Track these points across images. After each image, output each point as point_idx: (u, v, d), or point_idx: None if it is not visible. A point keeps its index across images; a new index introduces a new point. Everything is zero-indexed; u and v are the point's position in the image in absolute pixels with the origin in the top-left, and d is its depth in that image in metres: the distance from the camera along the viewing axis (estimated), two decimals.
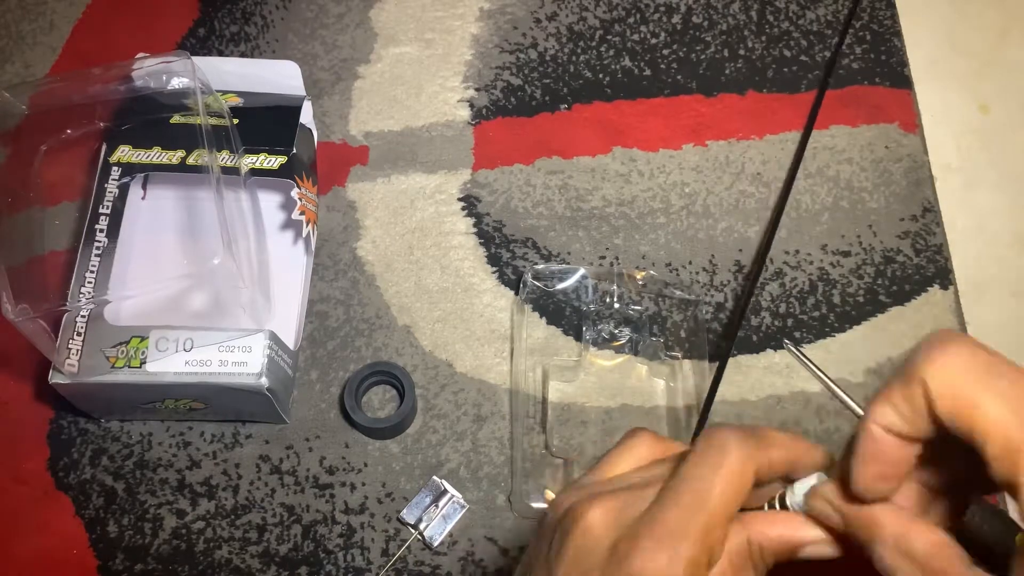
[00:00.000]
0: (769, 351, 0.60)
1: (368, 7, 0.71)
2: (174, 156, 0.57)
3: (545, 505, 0.53)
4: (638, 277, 0.60)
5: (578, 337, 0.60)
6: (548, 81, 0.68)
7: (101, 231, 0.54)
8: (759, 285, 0.62)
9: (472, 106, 0.67)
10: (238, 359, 0.52)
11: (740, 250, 0.63)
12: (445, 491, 0.55)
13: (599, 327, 0.59)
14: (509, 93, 0.68)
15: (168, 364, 0.52)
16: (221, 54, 0.69)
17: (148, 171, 0.56)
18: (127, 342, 0.52)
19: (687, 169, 0.66)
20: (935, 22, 0.72)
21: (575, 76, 0.69)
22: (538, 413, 0.57)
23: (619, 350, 0.59)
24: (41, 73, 0.68)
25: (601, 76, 0.69)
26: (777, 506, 0.32)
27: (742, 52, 0.70)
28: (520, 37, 0.70)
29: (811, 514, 0.31)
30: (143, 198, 0.56)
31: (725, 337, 0.60)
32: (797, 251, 0.63)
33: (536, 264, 0.62)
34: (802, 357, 0.59)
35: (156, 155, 0.57)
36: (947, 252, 0.64)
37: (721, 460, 0.30)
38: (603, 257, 0.63)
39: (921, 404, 0.26)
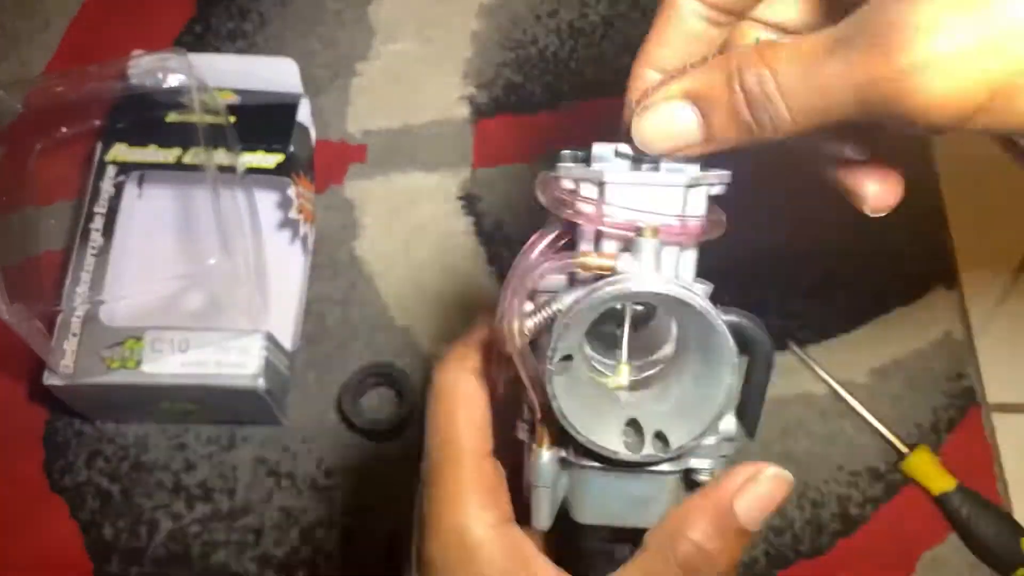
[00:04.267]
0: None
1: (366, 3, 0.70)
2: (170, 154, 0.56)
3: None
4: None
5: None
6: (549, 78, 0.68)
7: (96, 230, 0.54)
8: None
9: (472, 103, 0.67)
10: (234, 360, 0.51)
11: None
12: None
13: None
14: (510, 90, 0.67)
15: (164, 365, 0.51)
16: (217, 51, 0.68)
17: (144, 169, 0.56)
18: (122, 343, 0.51)
19: None
20: None
21: (576, 73, 0.68)
22: None
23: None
24: (36, 71, 0.68)
25: (602, 73, 0.68)
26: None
27: None
28: (521, 34, 0.69)
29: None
30: (139, 197, 0.55)
31: None
32: (800, 251, 0.62)
33: None
34: (806, 358, 0.59)
35: (152, 153, 0.56)
36: (952, 252, 0.63)
37: (439, 406, 0.31)
38: None
39: None
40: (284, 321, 0.54)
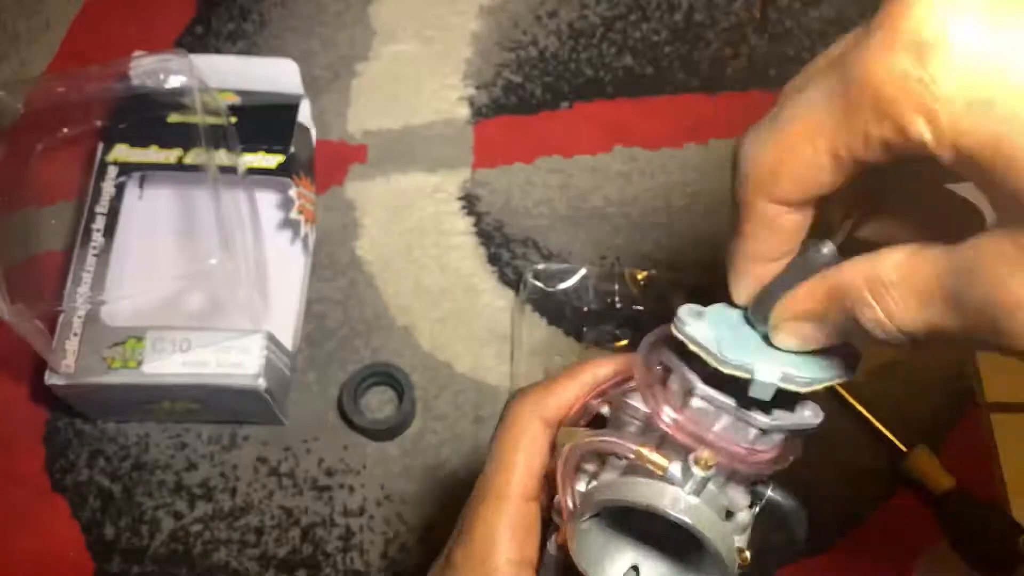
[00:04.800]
0: None
1: (367, 4, 0.70)
2: (171, 155, 0.56)
3: None
4: (639, 277, 0.60)
5: (579, 337, 0.59)
6: (549, 79, 0.68)
7: (98, 231, 0.54)
8: None
9: (472, 104, 0.67)
10: (235, 360, 0.51)
11: None
12: None
13: (600, 327, 0.58)
14: (509, 91, 0.67)
15: (165, 365, 0.51)
16: (218, 52, 0.68)
17: (145, 170, 0.56)
18: (124, 343, 0.51)
19: (689, 169, 0.65)
20: None
21: (576, 74, 0.68)
22: None
23: (621, 351, 0.58)
24: (38, 71, 0.68)
25: (602, 74, 0.68)
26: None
27: (744, 50, 0.69)
28: (520, 34, 0.69)
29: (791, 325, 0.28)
30: (140, 197, 0.55)
31: None
32: None
33: (537, 264, 0.62)
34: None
35: (153, 154, 0.56)
36: None
37: (506, 434, 0.33)
38: (604, 257, 0.62)
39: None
40: (285, 321, 0.54)
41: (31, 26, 0.69)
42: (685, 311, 0.28)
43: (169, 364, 0.51)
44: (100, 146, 0.57)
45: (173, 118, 0.57)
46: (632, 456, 0.28)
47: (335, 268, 0.61)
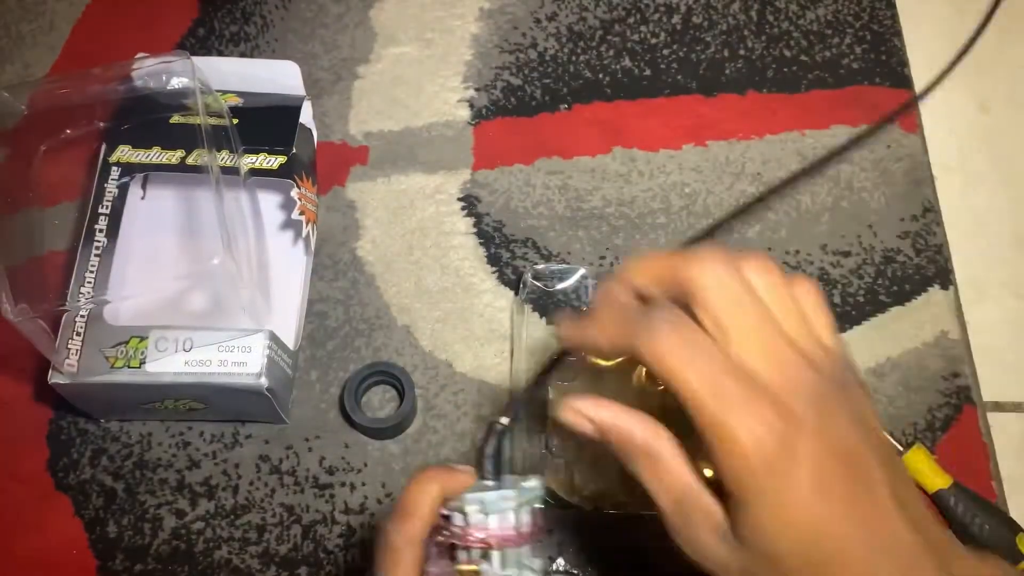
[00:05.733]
0: None
1: (368, 7, 0.71)
2: (174, 156, 0.57)
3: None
4: None
5: None
6: (548, 81, 0.68)
7: (100, 231, 0.54)
8: None
9: (472, 106, 0.67)
10: (238, 359, 0.52)
11: (740, 250, 0.63)
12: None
13: None
14: (509, 93, 0.68)
15: (167, 364, 0.51)
16: (221, 54, 0.69)
17: (148, 171, 0.56)
18: (126, 342, 0.52)
19: (687, 169, 0.66)
20: (935, 22, 0.72)
21: (575, 76, 0.68)
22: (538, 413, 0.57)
23: None
24: (40, 73, 0.68)
25: (601, 76, 0.69)
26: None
27: (742, 52, 0.70)
28: (520, 37, 0.70)
29: (568, 425, 0.40)
30: (143, 198, 0.56)
31: None
32: (797, 251, 0.63)
33: (536, 264, 0.62)
34: None
35: (156, 155, 0.57)
36: (947, 252, 0.64)
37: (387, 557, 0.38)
38: (603, 257, 0.63)
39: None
40: (287, 321, 0.55)
41: (34, 28, 0.70)
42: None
43: (172, 363, 0.52)
44: (103, 147, 0.57)
45: (175, 119, 0.57)
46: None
47: (336, 268, 0.62)
